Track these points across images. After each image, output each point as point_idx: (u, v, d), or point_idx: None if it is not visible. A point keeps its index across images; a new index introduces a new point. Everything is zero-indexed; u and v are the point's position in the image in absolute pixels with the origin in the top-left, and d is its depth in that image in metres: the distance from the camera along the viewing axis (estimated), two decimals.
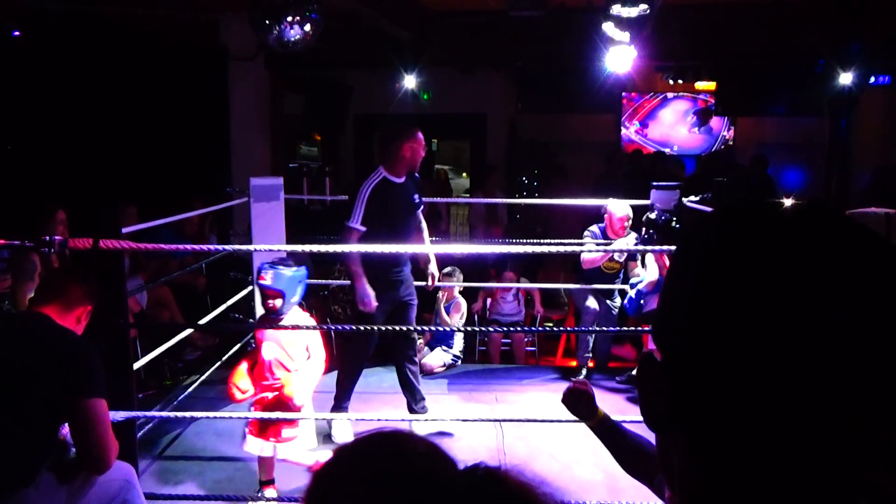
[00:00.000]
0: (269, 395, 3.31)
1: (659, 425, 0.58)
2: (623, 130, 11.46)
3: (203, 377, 4.93)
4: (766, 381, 0.50)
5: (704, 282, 0.53)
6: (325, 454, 3.07)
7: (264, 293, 3.33)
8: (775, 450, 0.50)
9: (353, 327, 5.72)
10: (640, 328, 4.85)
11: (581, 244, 5.20)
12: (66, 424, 2.40)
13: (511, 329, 5.71)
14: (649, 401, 0.58)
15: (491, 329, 5.89)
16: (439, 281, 5.89)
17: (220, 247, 4.27)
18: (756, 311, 0.50)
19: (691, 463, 0.55)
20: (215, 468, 3.90)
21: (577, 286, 5.56)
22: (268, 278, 3.29)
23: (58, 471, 2.39)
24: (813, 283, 0.50)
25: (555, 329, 6.19)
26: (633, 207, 5.20)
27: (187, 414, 3.79)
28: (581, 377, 5.38)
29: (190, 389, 4.69)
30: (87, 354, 2.37)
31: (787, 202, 0.56)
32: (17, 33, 5.47)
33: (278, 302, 3.29)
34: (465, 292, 6.01)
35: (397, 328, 4.19)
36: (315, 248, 4.08)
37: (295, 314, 3.40)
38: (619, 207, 5.14)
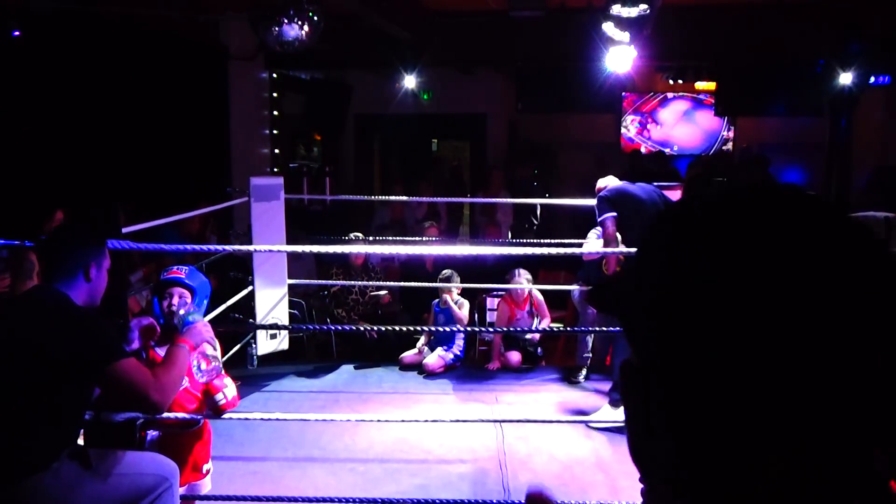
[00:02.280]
0: (175, 428, 2.88)
1: (644, 431, 0.57)
2: (623, 130, 11.46)
3: None
4: (742, 380, 0.48)
5: (671, 281, 0.51)
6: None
7: (168, 291, 2.86)
8: (762, 451, 0.49)
9: (353, 328, 5.74)
10: None
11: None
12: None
13: (511, 330, 5.71)
14: (632, 407, 0.57)
15: (491, 330, 5.89)
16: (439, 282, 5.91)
17: (220, 247, 4.28)
18: (724, 311, 0.48)
19: (681, 464, 0.54)
20: (214, 467, 3.90)
21: (577, 287, 5.56)
22: (183, 272, 2.90)
23: (82, 458, 2.31)
24: (785, 277, 0.48)
25: (555, 329, 6.19)
26: None
27: (186, 415, 3.78)
28: (581, 377, 5.38)
29: None
30: (90, 327, 2.25)
31: (759, 193, 0.53)
32: (17, 33, 5.46)
33: (185, 304, 2.85)
34: (464, 293, 6.01)
35: (397, 328, 4.18)
36: (315, 248, 4.08)
37: None
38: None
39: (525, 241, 7.29)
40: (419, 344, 5.87)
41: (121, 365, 2.23)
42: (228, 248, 5.04)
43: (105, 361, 2.22)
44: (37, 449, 2.23)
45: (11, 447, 2.20)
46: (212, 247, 4.25)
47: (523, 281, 5.66)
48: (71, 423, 2.35)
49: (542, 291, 6.19)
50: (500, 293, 6.13)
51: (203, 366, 2.75)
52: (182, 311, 2.72)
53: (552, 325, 6.02)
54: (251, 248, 4.91)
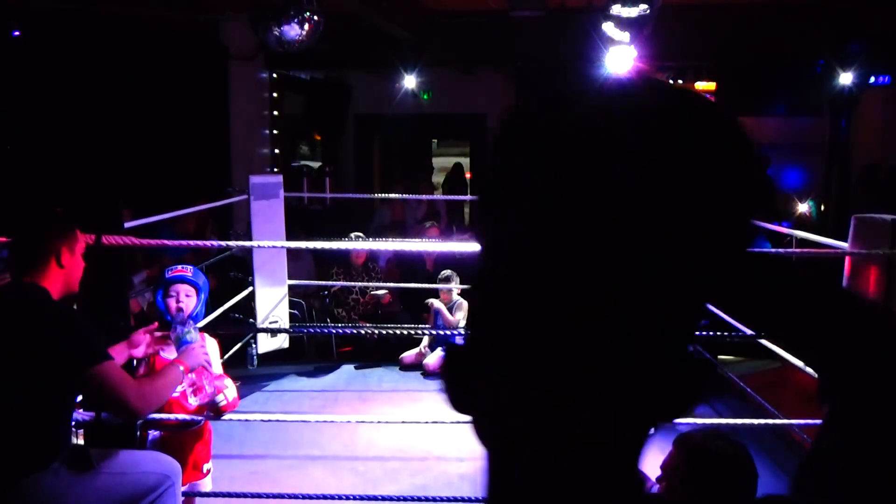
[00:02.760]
0: (177, 429, 2.89)
1: (463, 409, 0.58)
2: None
3: None
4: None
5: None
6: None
7: (174, 289, 2.88)
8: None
9: (354, 329, 5.74)
10: None
11: None
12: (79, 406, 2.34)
13: None
14: (452, 386, 0.58)
15: None
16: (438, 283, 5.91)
17: (221, 243, 4.28)
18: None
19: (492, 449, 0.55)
20: (214, 467, 3.90)
21: None
22: (189, 271, 2.93)
23: (83, 457, 2.30)
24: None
25: None
26: None
27: (187, 416, 3.79)
28: None
29: None
30: (71, 329, 2.22)
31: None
32: (17, 33, 5.46)
33: (191, 302, 2.87)
34: (464, 293, 6.01)
35: (396, 330, 4.19)
36: (315, 244, 4.09)
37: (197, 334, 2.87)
38: None
39: None
40: (422, 344, 5.85)
41: (102, 368, 2.19)
42: (232, 244, 5.05)
43: (87, 363, 2.18)
44: (34, 448, 2.22)
45: (9, 447, 2.19)
46: (213, 243, 4.25)
47: None
48: (65, 423, 2.34)
49: None
50: None
51: (193, 400, 2.79)
52: (180, 330, 2.70)
53: None
54: (252, 243, 4.90)
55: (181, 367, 2.53)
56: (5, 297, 2.31)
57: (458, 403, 0.56)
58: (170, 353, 2.77)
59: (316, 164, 10.51)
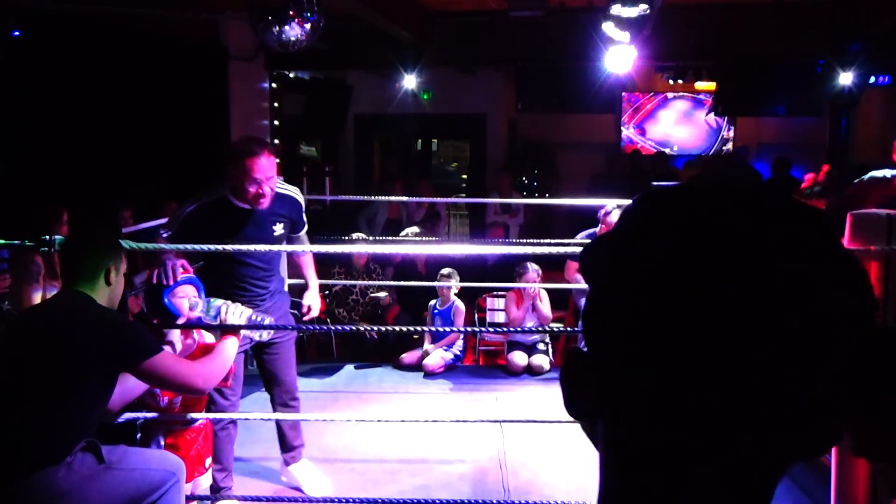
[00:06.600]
0: (179, 426, 2.95)
1: (582, 416, 0.58)
2: (623, 131, 11.47)
3: None
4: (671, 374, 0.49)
5: (613, 276, 0.54)
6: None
7: (182, 290, 2.93)
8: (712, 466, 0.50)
9: (354, 328, 5.72)
10: None
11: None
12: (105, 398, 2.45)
13: (511, 330, 5.71)
14: (573, 394, 0.58)
15: (491, 330, 5.89)
16: (438, 281, 5.91)
17: (220, 247, 4.25)
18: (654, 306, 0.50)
19: (610, 449, 0.56)
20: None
21: (577, 286, 5.56)
22: (191, 270, 3.00)
23: (94, 452, 2.37)
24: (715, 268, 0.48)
25: (555, 329, 6.20)
26: None
27: (188, 415, 3.78)
28: None
29: None
30: (121, 327, 2.41)
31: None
32: (17, 33, 5.46)
33: (201, 302, 2.91)
34: (463, 294, 5.99)
35: (398, 328, 4.18)
36: (315, 248, 4.08)
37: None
38: (613, 213, 5.11)
39: (526, 240, 7.29)
40: (425, 345, 5.82)
41: (157, 359, 2.37)
42: (229, 248, 5.03)
43: (140, 358, 2.35)
44: (55, 443, 2.29)
45: (31, 441, 2.26)
46: (212, 247, 4.23)
47: (536, 276, 5.63)
48: (89, 419, 2.42)
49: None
50: (501, 293, 6.12)
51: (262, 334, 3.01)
52: (201, 307, 2.86)
53: (552, 325, 6.01)
54: (251, 247, 4.89)
55: (234, 339, 2.74)
56: (57, 300, 2.54)
57: (573, 408, 0.58)
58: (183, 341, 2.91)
59: (316, 164, 10.50)
